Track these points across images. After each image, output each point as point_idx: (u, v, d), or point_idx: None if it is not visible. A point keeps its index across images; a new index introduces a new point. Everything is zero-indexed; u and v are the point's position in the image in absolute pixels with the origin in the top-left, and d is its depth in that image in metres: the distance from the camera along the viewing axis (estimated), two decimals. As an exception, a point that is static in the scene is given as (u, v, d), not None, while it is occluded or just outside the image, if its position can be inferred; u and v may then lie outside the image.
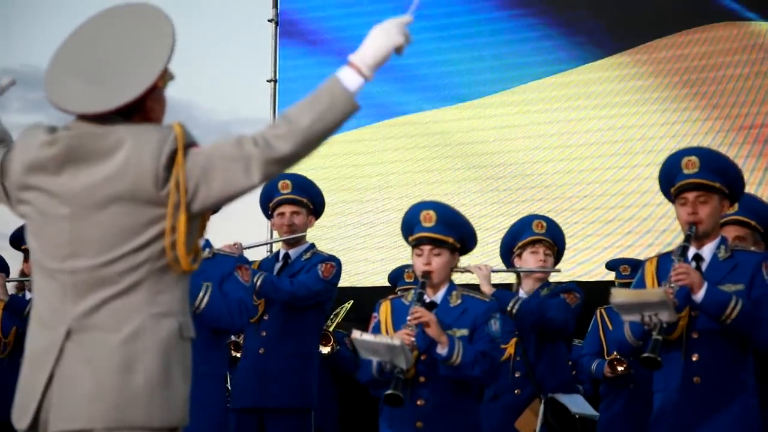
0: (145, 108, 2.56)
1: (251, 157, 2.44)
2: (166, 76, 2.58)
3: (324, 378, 7.41)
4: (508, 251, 5.26)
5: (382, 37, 2.53)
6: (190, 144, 2.49)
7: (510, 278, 5.59)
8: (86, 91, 2.51)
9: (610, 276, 6.83)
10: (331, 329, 7.10)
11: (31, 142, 2.57)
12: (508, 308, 4.94)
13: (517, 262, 5.23)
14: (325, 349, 7.18)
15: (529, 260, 5.17)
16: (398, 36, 2.53)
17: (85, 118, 2.54)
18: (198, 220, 2.56)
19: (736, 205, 4.64)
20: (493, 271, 5.08)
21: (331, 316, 7.62)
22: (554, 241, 5.21)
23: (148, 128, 2.52)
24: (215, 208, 2.54)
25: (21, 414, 2.53)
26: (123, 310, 2.47)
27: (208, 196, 2.48)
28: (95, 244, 2.49)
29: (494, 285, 5.08)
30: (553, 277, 5.40)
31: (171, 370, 2.48)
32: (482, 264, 5.08)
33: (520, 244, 5.19)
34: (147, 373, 2.45)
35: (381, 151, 8.93)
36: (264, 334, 5.26)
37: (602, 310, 6.30)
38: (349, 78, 2.49)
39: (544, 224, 5.20)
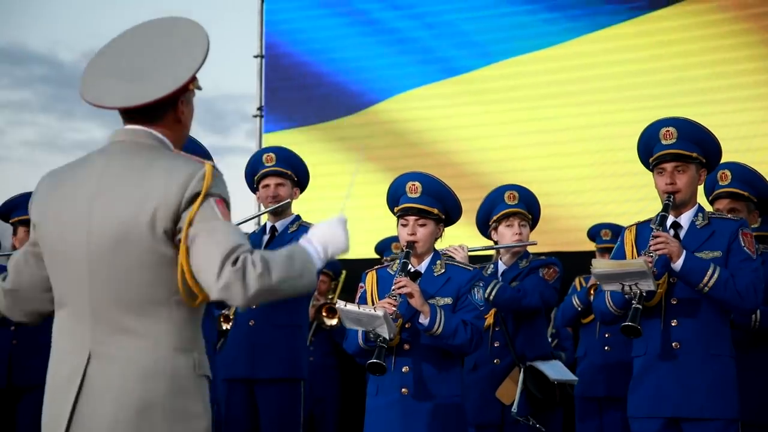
0: (176, 110, 2.65)
1: (227, 271, 2.47)
2: (196, 82, 2.66)
3: (325, 348, 7.52)
4: (484, 223, 5.26)
5: (335, 241, 2.73)
6: (212, 194, 2.54)
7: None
8: (123, 89, 2.59)
9: (591, 246, 6.91)
10: (334, 301, 7.16)
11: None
12: (485, 294, 4.91)
13: (493, 235, 5.23)
14: (331, 321, 7.26)
15: (505, 233, 5.16)
16: (343, 240, 2.74)
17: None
18: None
19: (730, 177, 4.73)
20: (470, 251, 5.09)
21: (332, 288, 7.73)
22: (528, 210, 5.20)
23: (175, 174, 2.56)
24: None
25: None
26: (141, 346, 2.53)
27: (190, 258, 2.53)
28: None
29: (474, 257, 5.10)
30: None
31: (189, 406, 2.55)
32: (459, 246, 5.08)
33: (495, 218, 5.18)
34: (165, 409, 2.52)
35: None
36: (254, 306, 5.31)
37: (581, 279, 6.42)
38: (316, 255, 2.68)
39: (516, 194, 5.17)
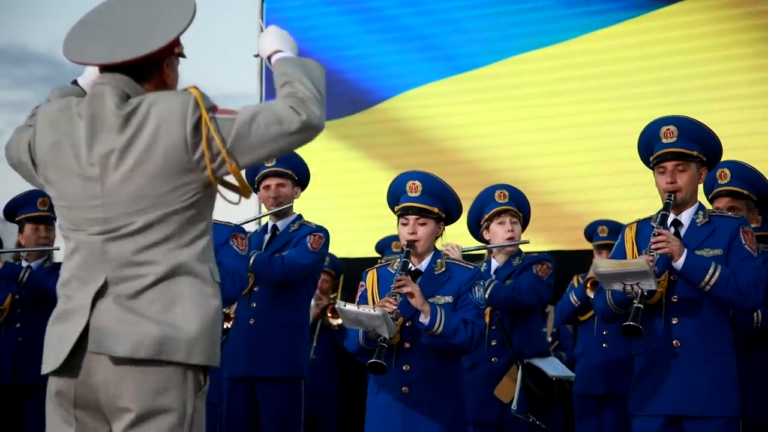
0: (162, 73, 2.70)
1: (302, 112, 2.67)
2: (181, 48, 2.73)
3: (326, 347, 7.54)
4: (476, 224, 5.26)
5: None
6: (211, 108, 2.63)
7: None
8: (107, 47, 2.65)
9: (589, 245, 6.91)
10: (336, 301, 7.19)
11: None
12: None
13: (485, 234, 5.23)
14: (336, 321, 7.28)
15: (498, 231, 5.17)
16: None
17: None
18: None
19: (729, 176, 4.73)
20: (464, 251, 5.04)
21: (333, 287, 7.74)
22: (519, 208, 5.21)
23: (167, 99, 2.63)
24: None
25: (56, 357, 2.62)
26: (158, 257, 2.60)
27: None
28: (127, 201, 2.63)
29: (467, 256, 5.09)
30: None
31: (205, 311, 2.62)
32: (453, 245, 5.08)
33: (486, 216, 5.18)
34: (185, 312, 2.58)
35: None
36: (254, 305, 5.32)
37: (578, 278, 6.43)
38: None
39: (506, 193, 5.19)
